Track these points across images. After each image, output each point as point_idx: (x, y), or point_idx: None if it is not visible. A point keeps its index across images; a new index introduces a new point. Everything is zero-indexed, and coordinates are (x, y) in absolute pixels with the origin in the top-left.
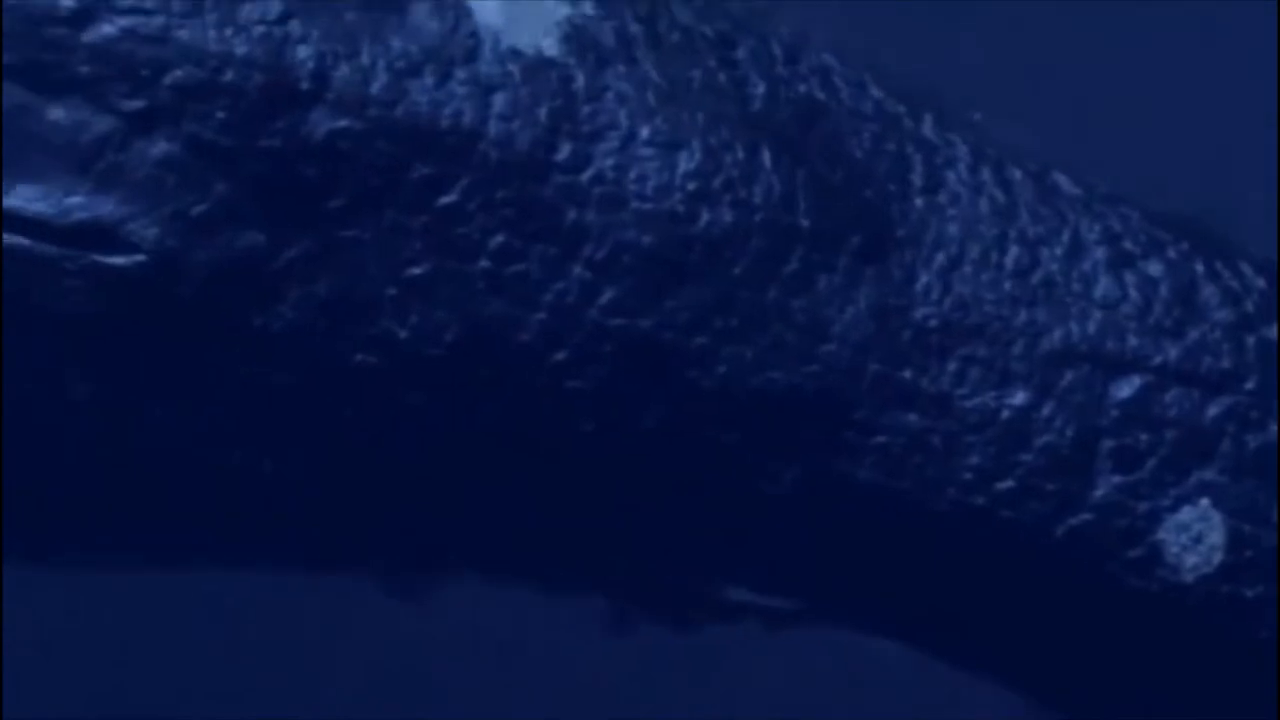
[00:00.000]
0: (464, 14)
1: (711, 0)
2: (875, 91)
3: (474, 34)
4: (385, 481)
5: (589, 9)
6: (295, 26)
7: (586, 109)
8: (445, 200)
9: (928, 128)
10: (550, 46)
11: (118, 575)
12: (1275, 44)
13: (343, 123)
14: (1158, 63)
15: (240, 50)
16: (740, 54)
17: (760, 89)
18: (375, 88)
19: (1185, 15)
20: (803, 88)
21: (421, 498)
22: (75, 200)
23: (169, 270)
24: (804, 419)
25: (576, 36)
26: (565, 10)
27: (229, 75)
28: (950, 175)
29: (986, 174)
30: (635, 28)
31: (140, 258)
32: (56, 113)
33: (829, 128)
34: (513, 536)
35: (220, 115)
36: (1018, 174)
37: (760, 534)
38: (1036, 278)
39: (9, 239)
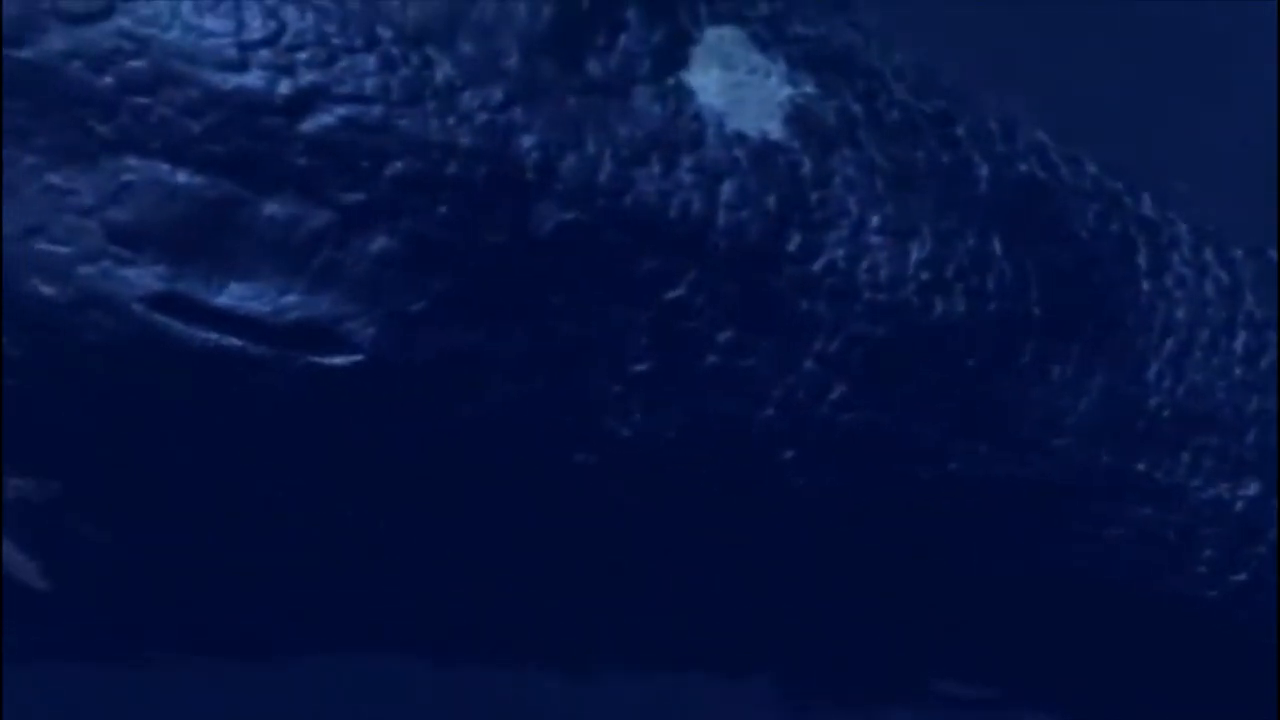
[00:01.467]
0: (686, 97)
1: (924, 75)
2: (1091, 168)
3: (697, 117)
4: (598, 578)
5: (810, 88)
6: (518, 114)
7: (815, 196)
8: (673, 294)
9: (1147, 206)
10: (775, 130)
11: (312, 660)
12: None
13: (570, 215)
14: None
15: (464, 140)
16: (960, 132)
17: (984, 170)
18: (602, 177)
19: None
20: (1023, 166)
21: (632, 591)
22: (290, 299)
23: (387, 371)
24: (1036, 513)
25: (800, 118)
26: (787, 91)
27: (452, 167)
28: (1175, 256)
29: (1209, 254)
30: (856, 108)
31: (358, 358)
32: (271, 207)
33: (1053, 209)
34: (709, 625)
35: (442, 209)
36: (1239, 253)
37: (979, 626)
38: (1264, 362)
39: (222, 340)
